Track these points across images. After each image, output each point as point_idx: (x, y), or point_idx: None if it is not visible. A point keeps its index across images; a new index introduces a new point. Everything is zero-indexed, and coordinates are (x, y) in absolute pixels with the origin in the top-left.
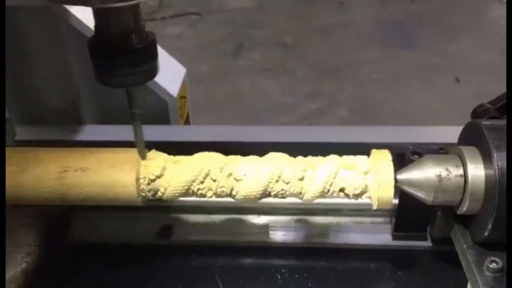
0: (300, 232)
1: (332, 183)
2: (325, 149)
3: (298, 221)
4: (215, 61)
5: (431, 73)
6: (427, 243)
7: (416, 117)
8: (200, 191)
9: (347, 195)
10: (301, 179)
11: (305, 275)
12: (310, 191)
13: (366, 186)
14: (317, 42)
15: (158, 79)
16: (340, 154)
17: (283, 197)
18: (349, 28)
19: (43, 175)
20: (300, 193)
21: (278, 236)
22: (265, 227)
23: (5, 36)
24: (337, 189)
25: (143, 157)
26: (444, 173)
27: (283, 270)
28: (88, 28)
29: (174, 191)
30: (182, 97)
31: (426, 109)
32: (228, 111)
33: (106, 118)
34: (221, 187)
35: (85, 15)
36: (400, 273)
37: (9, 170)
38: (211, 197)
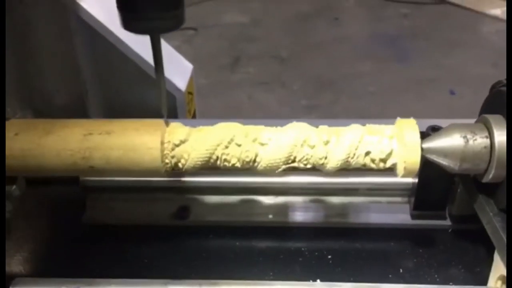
0: (318, 213)
1: (357, 147)
2: None
3: (316, 201)
4: (212, 75)
5: (426, 86)
6: (446, 222)
7: None
8: (224, 156)
9: (372, 161)
10: (326, 143)
11: (325, 252)
12: (336, 156)
13: (392, 151)
14: (313, 56)
15: (166, 73)
16: None
17: (306, 165)
18: (344, 43)
19: (67, 137)
20: (326, 157)
21: (296, 216)
22: (283, 208)
23: (15, 33)
24: (363, 153)
25: (166, 122)
26: (470, 140)
27: (302, 249)
28: (97, 21)
29: (198, 157)
30: (189, 92)
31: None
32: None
33: (113, 112)
34: (246, 151)
35: (94, 8)
36: (420, 250)
37: (33, 133)
38: (235, 164)
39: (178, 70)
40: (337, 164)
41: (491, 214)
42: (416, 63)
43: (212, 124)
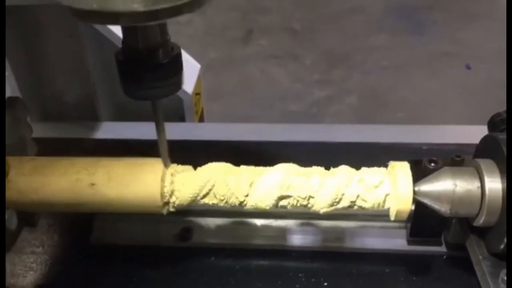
0: (317, 236)
1: (344, 193)
2: (338, 149)
3: (314, 225)
4: (224, 48)
5: (441, 61)
6: (442, 249)
7: (426, 104)
8: (209, 200)
9: (361, 206)
10: (311, 189)
11: (321, 279)
12: (321, 201)
13: (384, 199)
14: (326, 29)
15: None
16: (352, 153)
17: (293, 206)
18: (358, 15)
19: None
20: (311, 202)
21: (295, 240)
22: (283, 231)
23: (23, 34)
24: (351, 199)
25: (167, 166)
26: (461, 187)
27: (300, 274)
28: (103, 26)
29: (185, 198)
30: (196, 93)
31: (437, 96)
32: (239, 98)
33: (122, 115)
34: (231, 194)
35: None
36: (414, 278)
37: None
38: (220, 204)
39: (185, 71)
40: (323, 207)
41: (480, 257)
42: (432, 36)
43: (215, 128)
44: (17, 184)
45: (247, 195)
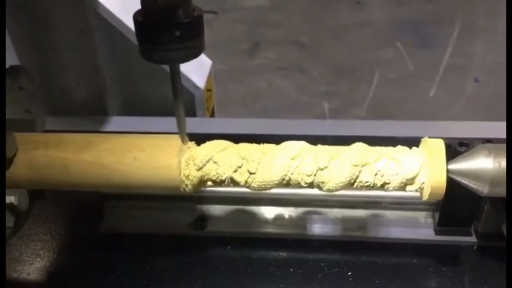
0: (339, 225)
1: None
2: (350, 142)
3: (337, 214)
4: (231, 60)
5: (449, 74)
6: (472, 239)
7: (435, 117)
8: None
9: (387, 184)
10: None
11: (345, 268)
12: (336, 178)
13: (417, 175)
14: (333, 42)
15: (185, 71)
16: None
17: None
18: (365, 28)
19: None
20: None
21: (316, 229)
22: (303, 220)
23: (34, 29)
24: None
25: (184, 141)
26: (500, 163)
27: (322, 264)
28: (116, 18)
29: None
30: (208, 89)
31: (445, 109)
32: (246, 110)
33: (132, 109)
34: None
35: (113, 5)
36: (444, 268)
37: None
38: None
39: (197, 67)
40: (337, 186)
41: None
42: (439, 49)
43: (228, 123)
44: (26, 159)
45: (262, 156)
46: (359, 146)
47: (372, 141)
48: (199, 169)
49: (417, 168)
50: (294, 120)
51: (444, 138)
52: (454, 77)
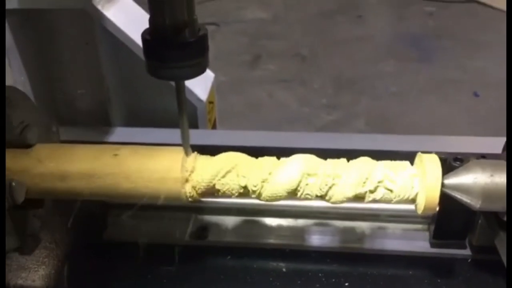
0: (337, 237)
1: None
2: (352, 156)
3: (334, 225)
4: (233, 72)
5: (449, 88)
6: (466, 252)
7: (434, 130)
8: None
9: (386, 199)
10: (333, 178)
11: (342, 279)
12: (342, 192)
13: (412, 189)
14: (334, 55)
15: (189, 84)
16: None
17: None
18: (366, 41)
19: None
20: (329, 192)
21: (314, 240)
22: (301, 231)
23: (39, 40)
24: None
25: (187, 154)
26: (492, 179)
27: (320, 274)
28: (121, 31)
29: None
30: (210, 102)
31: (445, 122)
32: (247, 122)
33: (136, 120)
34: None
35: (119, 18)
36: (439, 280)
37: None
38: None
39: (200, 80)
40: (343, 199)
41: None
42: (440, 63)
43: (229, 135)
44: (37, 154)
45: (269, 173)
46: (356, 173)
47: (371, 155)
48: (202, 194)
49: (413, 195)
50: (294, 133)
51: (440, 153)
52: (454, 91)
